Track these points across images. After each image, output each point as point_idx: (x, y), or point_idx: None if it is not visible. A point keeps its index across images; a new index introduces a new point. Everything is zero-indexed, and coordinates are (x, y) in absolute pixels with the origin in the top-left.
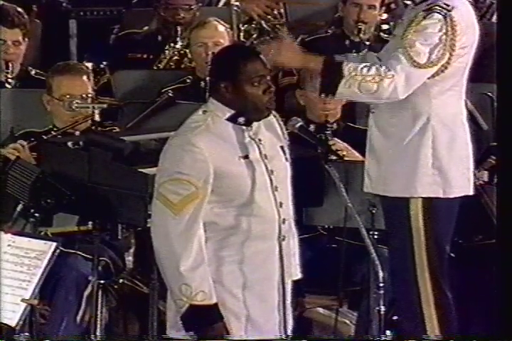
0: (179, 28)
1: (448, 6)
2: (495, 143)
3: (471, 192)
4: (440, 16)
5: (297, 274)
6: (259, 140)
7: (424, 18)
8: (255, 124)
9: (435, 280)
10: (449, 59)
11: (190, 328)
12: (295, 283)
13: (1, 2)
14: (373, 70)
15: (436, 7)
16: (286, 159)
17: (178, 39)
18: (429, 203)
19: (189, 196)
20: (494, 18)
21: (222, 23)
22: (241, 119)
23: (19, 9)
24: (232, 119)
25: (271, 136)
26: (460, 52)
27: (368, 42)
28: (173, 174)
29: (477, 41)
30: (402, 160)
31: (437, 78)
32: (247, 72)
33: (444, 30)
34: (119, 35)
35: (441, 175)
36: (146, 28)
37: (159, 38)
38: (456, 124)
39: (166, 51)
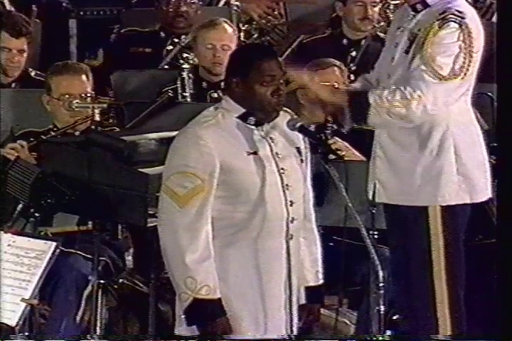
0: (182, 22)
1: (461, 13)
2: (495, 143)
3: (490, 194)
4: (456, 25)
5: (315, 280)
6: (271, 138)
7: (440, 28)
8: (269, 123)
9: (452, 283)
10: (469, 66)
11: (193, 322)
12: (314, 288)
13: (10, 10)
14: (398, 95)
15: (451, 16)
16: (301, 160)
17: (182, 36)
18: (447, 209)
19: (195, 189)
20: (494, 18)
21: (230, 23)
22: (251, 119)
23: (26, 18)
24: (243, 118)
25: (285, 136)
26: (475, 57)
27: (364, 41)
28: (179, 167)
29: (483, 44)
30: (425, 169)
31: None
32: (259, 70)
33: (461, 39)
34: (121, 32)
35: (466, 181)
36: (147, 29)
37: (162, 34)
38: (471, 128)
39: (170, 46)
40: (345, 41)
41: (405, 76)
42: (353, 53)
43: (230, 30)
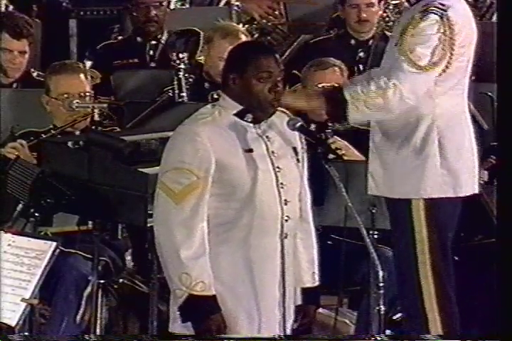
0: (153, 26)
1: (443, 5)
2: (495, 143)
3: (476, 190)
4: (436, 17)
5: (311, 281)
6: (267, 137)
7: (421, 19)
8: (267, 122)
9: (438, 280)
10: (450, 58)
11: (188, 319)
12: (311, 290)
13: (12, 11)
14: (372, 86)
15: (432, 8)
16: (297, 160)
17: (158, 36)
18: (431, 203)
19: (190, 185)
20: (494, 18)
21: (247, 34)
22: (248, 116)
23: (28, 19)
24: (240, 115)
25: (282, 135)
26: (460, 51)
27: (371, 41)
28: (175, 163)
29: (476, 39)
30: (409, 161)
31: (439, 78)
32: (256, 66)
33: (441, 31)
34: (97, 49)
35: (450, 174)
36: (120, 37)
37: (138, 39)
38: (460, 123)
39: (151, 51)
40: (353, 42)
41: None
42: (361, 54)
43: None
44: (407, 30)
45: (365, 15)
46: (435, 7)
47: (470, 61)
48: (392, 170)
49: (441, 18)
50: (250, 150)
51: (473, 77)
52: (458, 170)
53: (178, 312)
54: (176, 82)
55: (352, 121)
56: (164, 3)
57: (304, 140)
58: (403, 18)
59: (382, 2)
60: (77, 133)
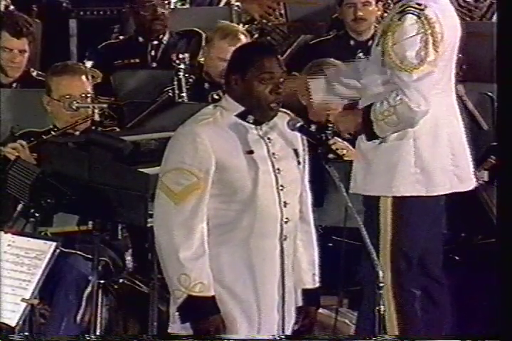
0: (159, 25)
1: (420, 5)
2: (495, 143)
3: (460, 189)
4: (414, 17)
5: (312, 282)
6: (269, 138)
7: (399, 20)
8: (268, 123)
9: (398, 278)
10: (438, 55)
11: (187, 319)
12: (311, 291)
13: (12, 10)
14: (385, 104)
15: (409, 8)
16: (298, 162)
17: (160, 36)
18: (399, 202)
19: (190, 186)
20: (494, 18)
21: (246, 34)
22: (250, 117)
23: (27, 18)
24: (242, 116)
25: (284, 137)
26: (440, 46)
27: (370, 42)
28: (175, 163)
29: (458, 41)
30: (384, 159)
31: None
32: (258, 67)
33: (422, 30)
34: (99, 48)
35: (423, 173)
36: (121, 37)
37: (140, 39)
38: (439, 123)
39: (153, 51)
40: (352, 42)
41: (379, 70)
42: (361, 54)
43: (244, 40)
44: (387, 34)
45: (361, 13)
46: (411, 7)
47: (452, 61)
48: (370, 167)
49: (419, 17)
50: (251, 152)
51: (472, 77)
52: (433, 169)
53: (177, 313)
54: (175, 82)
55: (384, 136)
56: (169, 1)
57: (305, 142)
58: (386, 18)
59: (381, 2)
60: (77, 133)
